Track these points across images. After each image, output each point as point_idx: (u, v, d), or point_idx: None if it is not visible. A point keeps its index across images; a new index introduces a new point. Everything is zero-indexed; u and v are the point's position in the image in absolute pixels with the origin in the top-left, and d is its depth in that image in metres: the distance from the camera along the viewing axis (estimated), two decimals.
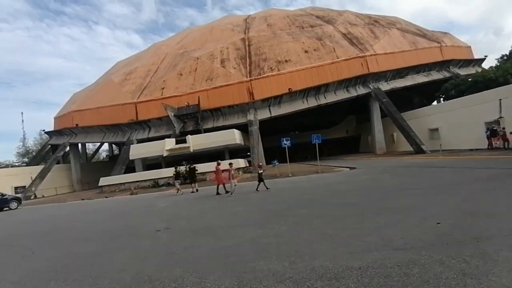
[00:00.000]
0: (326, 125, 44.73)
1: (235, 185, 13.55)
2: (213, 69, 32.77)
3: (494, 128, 21.59)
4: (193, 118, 31.55)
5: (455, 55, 37.08)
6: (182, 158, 31.63)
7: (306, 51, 32.87)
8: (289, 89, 30.36)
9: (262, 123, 36.12)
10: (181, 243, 6.14)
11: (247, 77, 31.03)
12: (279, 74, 31.07)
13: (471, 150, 22.73)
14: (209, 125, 31.07)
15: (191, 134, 28.88)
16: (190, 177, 18.35)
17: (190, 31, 46.12)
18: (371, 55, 32.45)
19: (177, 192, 17.29)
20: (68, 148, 39.69)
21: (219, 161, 15.79)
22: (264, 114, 30.73)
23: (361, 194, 9.58)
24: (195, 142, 27.40)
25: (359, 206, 7.70)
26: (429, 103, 38.24)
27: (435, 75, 35.07)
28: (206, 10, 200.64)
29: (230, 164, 14.23)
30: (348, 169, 20.55)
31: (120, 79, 37.12)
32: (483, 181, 9.33)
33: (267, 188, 13.27)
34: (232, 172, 13.59)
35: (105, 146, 58.88)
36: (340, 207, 7.94)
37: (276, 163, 22.15)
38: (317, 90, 31.26)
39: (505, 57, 39.67)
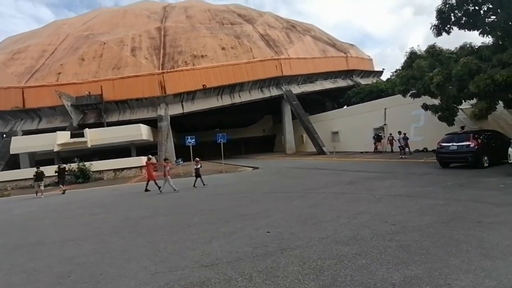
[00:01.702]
0: (245, 124, 45.35)
1: (169, 182, 12.68)
2: (122, 57, 30.11)
3: (380, 134, 24.49)
4: (95, 110, 28.54)
5: (358, 65, 41.16)
6: (81, 154, 28.48)
7: (223, 48, 32.60)
8: (203, 85, 29.71)
9: (180, 118, 34.81)
10: None
11: (159, 69, 29.33)
12: (194, 69, 30.15)
13: (362, 152, 25.41)
14: (114, 118, 28.50)
15: (92, 128, 26.08)
16: (59, 178, 17.37)
17: (101, 12, 41.68)
18: (285, 59, 33.82)
19: (41, 195, 15.77)
20: None
21: (150, 155, 15.46)
22: (176, 110, 29.50)
23: (233, 198, 9.61)
24: (95, 137, 24.77)
25: (218, 213, 7.59)
26: (340, 107, 41.79)
27: (341, 83, 38.42)
28: None
29: (166, 159, 14.19)
30: (251, 169, 21.00)
31: (4, 58, 31.43)
32: (343, 184, 10.21)
33: (199, 185, 13.11)
34: (168, 168, 13.13)
35: None
36: (201, 213, 7.73)
37: (181, 162, 21.41)
38: (232, 88, 31.30)
39: (397, 71, 45.60)
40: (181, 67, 30.01)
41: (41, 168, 17.31)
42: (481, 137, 11.60)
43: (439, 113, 16.38)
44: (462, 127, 16.33)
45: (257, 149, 44.36)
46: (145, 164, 15.04)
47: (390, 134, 22.73)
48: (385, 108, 25.50)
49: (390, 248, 4.14)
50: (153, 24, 35.51)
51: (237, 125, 45.52)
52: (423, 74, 15.37)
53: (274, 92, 33.19)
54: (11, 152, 24.48)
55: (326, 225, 5.55)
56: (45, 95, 27.46)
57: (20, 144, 24.43)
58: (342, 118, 30.40)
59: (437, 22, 15.87)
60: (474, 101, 16.62)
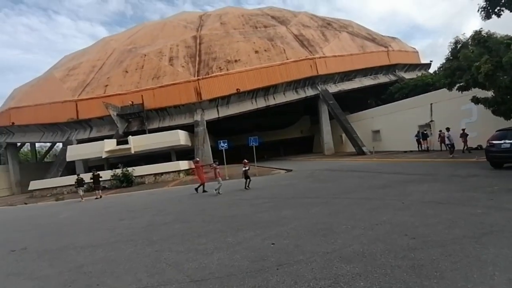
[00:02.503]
0: (283, 125, 44.91)
1: (220, 184, 13.04)
2: (161, 67, 31.61)
3: (425, 131, 22.58)
4: (137, 118, 30.27)
5: (401, 59, 38.56)
6: (128, 160, 30.40)
7: (256, 51, 32.64)
8: (237, 89, 29.98)
9: (218, 122, 35.58)
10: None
11: (195, 76, 30.23)
12: (228, 74, 30.58)
13: (405, 152, 23.67)
14: (155, 125, 29.96)
15: (135, 135, 27.71)
16: (94, 184, 18.43)
17: (143, 27, 44.32)
18: (320, 57, 32.86)
19: (81, 199, 17.25)
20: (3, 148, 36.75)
21: (197, 158, 16.05)
22: (212, 115, 30.13)
23: (255, 204, 9.38)
24: (137, 143, 26.26)
25: (234, 220, 7.43)
26: (384, 104, 39.44)
27: (382, 78, 36.28)
28: (177, 5, 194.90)
29: (215, 161, 14.30)
30: (285, 171, 20.61)
31: (62, 75, 34.80)
32: (374, 188, 9.44)
33: (245, 188, 13.05)
34: (218, 170, 13.50)
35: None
36: (217, 220, 7.63)
37: (214, 165, 21.69)
38: (266, 90, 31.15)
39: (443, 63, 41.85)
40: (215, 73, 30.62)
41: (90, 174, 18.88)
42: None
43: (494, 107, 14.60)
44: None
45: (295, 150, 43.67)
46: (194, 167, 15.46)
47: (440, 131, 20.74)
48: (431, 103, 23.46)
49: (398, 269, 3.61)
50: (189, 33, 36.80)
51: (275, 127, 45.25)
52: (470, 64, 13.79)
53: (310, 92, 32.37)
54: (67, 160, 26.89)
55: (337, 237, 5.09)
56: (94, 107, 29.79)
57: (74, 152, 26.75)
58: (384, 115, 28.62)
59: (485, 3, 14.27)
60: None
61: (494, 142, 10.62)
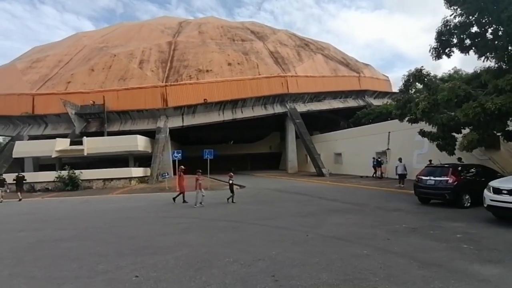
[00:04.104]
0: (253, 139, 44.82)
1: (202, 195, 12.39)
2: (129, 69, 30.79)
3: (379, 159, 22.99)
4: (97, 119, 29.12)
5: (371, 86, 39.65)
6: (85, 161, 29.03)
7: (229, 64, 32.56)
8: (204, 99, 29.61)
9: (186, 131, 34.89)
10: None
11: (163, 82, 29.64)
12: (197, 83, 30.20)
13: (361, 177, 23.92)
14: (115, 128, 28.89)
15: (94, 136, 26.56)
16: (17, 186, 17.86)
17: (120, 26, 43.39)
18: (292, 76, 33.19)
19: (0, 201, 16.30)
20: None
21: (182, 166, 14.61)
22: (176, 123, 29.49)
23: (170, 224, 8.92)
24: (92, 145, 25.08)
25: (127, 243, 6.94)
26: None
27: (351, 103, 37.07)
28: (169, 8, 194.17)
29: (198, 171, 12.85)
30: (238, 187, 20.22)
31: (24, 66, 33.16)
32: (297, 216, 9.22)
33: (228, 200, 12.71)
34: (200, 180, 12.57)
35: None
36: (109, 241, 7.11)
37: (167, 175, 21.04)
38: (235, 103, 30.97)
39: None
40: (185, 80, 30.18)
41: (35, 173, 17.81)
42: (463, 172, 10.23)
43: (438, 141, 14.98)
44: (459, 159, 14.84)
45: (263, 165, 43.47)
46: (178, 174, 14.61)
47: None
48: (389, 132, 24.03)
49: None
50: (165, 38, 36.33)
51: (245, 141, 45.17)
52: (413, 99, 14.19)
53: (278, 109, 32.49)
54: (13, 156, 25.26)
55: (206, 273, 4.75)
56: (53, 103, 28.40)
57: (22, 149, 25.19)
58: (346, 139, 29.07)
59: (436, 44, 14.73)
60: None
61: (421, 177, 10.77)
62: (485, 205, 7.82)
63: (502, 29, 12.07)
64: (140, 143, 25.77)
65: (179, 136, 36.20)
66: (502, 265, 4.73)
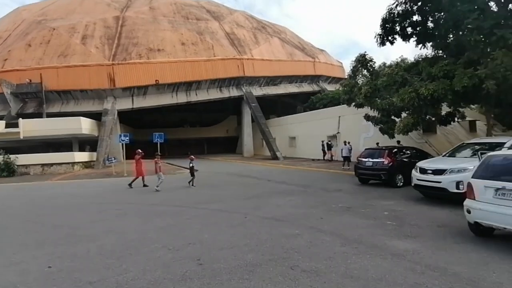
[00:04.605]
0: (210, 123, 44.05)
1: (161, 180, 11.95)
2: (70, 45, 28.12)
3: (329, 142, 23.84)
4: (35, 99, 26.45)
5: (326, 71, 40.66)
6: (22, 146, 26.37)
7: (183, 43, 31.18)
8: (156, 80, 28.20)
9: (139, 114, 33.14)
10: None
11: (109, 60, 27.58)
12: (148, 62, 28.58)
13: (313, 160, 24.69)
14: (55, 109, 26.52)
15: (32, 117, 24.09)
16: None
17: None
18: (248, 59, 32.76)
19: None
20: None
21: (139, 150, 13.54)
22: (125, 105, 27.84)
23: (105, 210, 8.41)
24: (29, 128, 22.78)
25: (52, 232, 6.41)
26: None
27: (306, 87, 37.79)
28: None
29: (157, 155, 12.70)
30: None
31: None
32: (241, 199, 9.19)
33: (190, 185, 12.35)
34: (160, 164, 12.36)
35: None
36: (33, 231, 6.51)
37: (114, 160, 19.90)
38: (189, 86, 29.95)
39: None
40: (134, 59, 28.39)
41: None
42: (397, 154, 10.90)
43: (380, 125, 15.78)
44: (398, 142, 15.80)
45: (220, 149, 43.08)
46: (136, 159, 13.30)
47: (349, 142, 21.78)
48: (339, 116, 24.92)
49: None
50: (112, 12, 33.59)
51: (202, 124, 44.27)
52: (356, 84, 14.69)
53: (234, 92, 32.09)
54: None
55: (130, 260, 4.51)
56: None
57: None
58: (300, 123, 29.67)
59: (381, 31, 15.15)
60: None
61: (361, 159, 11.31)
62: (413, 184, 8.40)
63: (443, 15, 12.56)
64: (85, 126, 23.99)
65: (130, 119, 34.33)
66: (418, 240, 5.07)
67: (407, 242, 4.94)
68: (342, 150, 18.61)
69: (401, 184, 10.35)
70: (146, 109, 29.37)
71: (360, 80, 16.72)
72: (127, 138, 19.14)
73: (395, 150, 11.21)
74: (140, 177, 13.11)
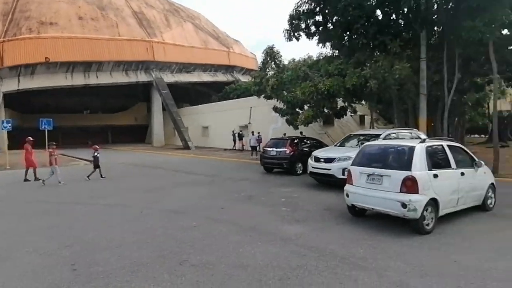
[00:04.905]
0: (115, 109, 40.13)
1: (54, 173, 10.23)
2: None
3: (241, 132, 24.32)
4: None
5: (240, 62, 41.08)
6: None
7: (80, 18, 27.33)
8: (46, 58, 24.13)
9: (29, 97, 27.82)
10: None
11: (1, 38, 22.48)
12: (38, 37, 24.24)
13: (225, 149, 24.85)
14: None
15: None
16: None
17: None
18: (158, 42, 30.74)
19: None
20: None
21: (30, 138, 11.47)
22: (11, 86, 23.31)
23: None
24: None
25: None
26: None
27: (220, 77, 37.58)
28: None
29: (52, 145, 11.13)
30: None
31: None
32: (141, 192, 8.55)
33: (102, 177, 11.13)
34: (55, 154, 10.68)
35: None
36: None
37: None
38: (87, 66, 26.55)
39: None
40: (24, 34, 23.72)
41: None
42: (298, 144, 11.72)
43: (286, 116, 16.64)
44: (301, 133, 16.98)
45: (128, 139, 39.65)
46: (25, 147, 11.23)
47: (258, 132, 22.51)
48: (251, 107, 25.56)
49: None
50: None
51: (106, 110, 40.04)
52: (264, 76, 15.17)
53: (143, 77, 29.81)
54: None
55: None
56: None
57: None
58: (213, 113, 29.46)
59: (288, 27, 15.76)
60: None
61: (266, 149, 11.80)
62: (308, 172, 9.12)
63: (339, 18, 13.77)
64: None
65: (19, 103, 28.74)
66: (307, 223, 5.48)
67: (297, 226, 5.29)
68: (250, 140, 19.18)
69: (300, 172, 11.16)
70: (35, 90, 24.98)
71: (270, 73, 17.35)
72: (9, 124, 15.86)
73: (296, 140, 12.01)
74: (32, 169, 11.18)
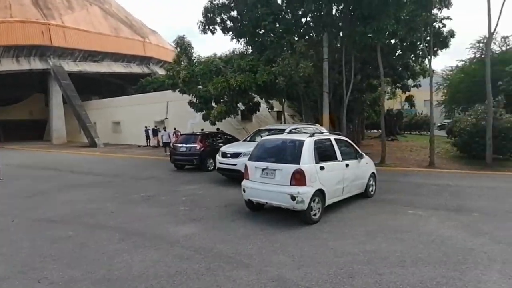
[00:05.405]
0: (5, 102, 33.82)
1: None
2: None
3: (156, 128, 22.97)
4: None
5: (157, 54, 38.68)
6: None
7: None
8: None
9: None
10: None
11: None
12: None
13: (139, 146, 23.17)
14: None
15: None
16: None
17: None
18: (57, 25, 26.86)
19: None
20: None
21: None
22: None
23: None
24: None
25: None
26: None
27: (135, 68, 34.87)
28: None
29: None
30: None
31: None
32: (18, 197, 7.19)
33: None
34: None
35: None
36: None
37: None
38: None
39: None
40: None
41: None
42: (209, 140, 11.47)
43: (202, 112, 16.15)
44: (218, 128, 16.79)
45: (21, 135, 33.82)
46: None
47: (175, 128, 21.46)
48: (168, 101, 24.30)
49: None
50: None
51: None
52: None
53: (37, 65, 25.70)
54: None
55: None
56: None
57: None
58: (126, 107, 27.13)
59: (203, 19, 15.23)
60: None
61: (176, 145, 11.25)
62: (217, 168, 8.94)
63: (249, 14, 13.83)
64: None
65: None
66: (201, 222, 5.25)
67: (190, 227, 5.01)
68: (162, 136, 18.27)
69: (212, 168, 10.91)
70: None
71: (182, 66, 16.59)
72: None
73: (209, 136, 11.73)
74: None
